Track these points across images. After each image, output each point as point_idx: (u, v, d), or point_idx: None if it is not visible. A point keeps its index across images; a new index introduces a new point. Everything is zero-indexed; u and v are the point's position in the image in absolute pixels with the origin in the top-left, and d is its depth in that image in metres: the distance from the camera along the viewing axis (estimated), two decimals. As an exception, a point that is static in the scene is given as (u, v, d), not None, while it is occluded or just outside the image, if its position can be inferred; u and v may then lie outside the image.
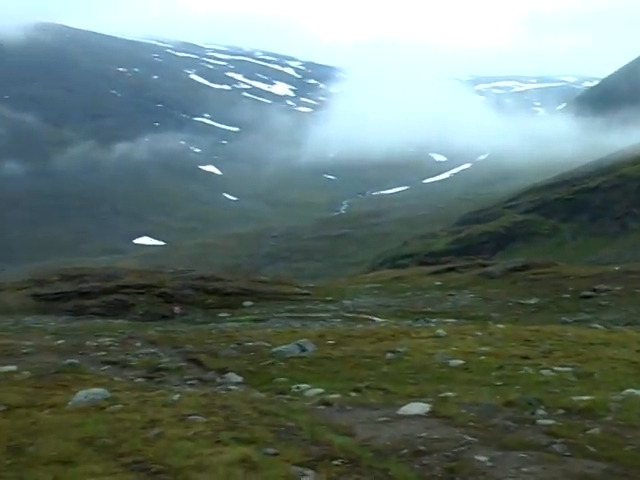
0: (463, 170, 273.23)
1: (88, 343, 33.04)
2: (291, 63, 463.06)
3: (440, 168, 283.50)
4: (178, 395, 14.03)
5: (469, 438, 10.46)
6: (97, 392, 13.56)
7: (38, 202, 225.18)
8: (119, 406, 12.71)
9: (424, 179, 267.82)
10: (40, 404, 13.31)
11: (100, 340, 35.20)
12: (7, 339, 37.44)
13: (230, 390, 16.74)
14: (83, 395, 13.31)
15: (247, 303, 64.62)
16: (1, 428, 11.43)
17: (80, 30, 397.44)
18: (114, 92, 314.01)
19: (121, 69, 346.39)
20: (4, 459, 9.85)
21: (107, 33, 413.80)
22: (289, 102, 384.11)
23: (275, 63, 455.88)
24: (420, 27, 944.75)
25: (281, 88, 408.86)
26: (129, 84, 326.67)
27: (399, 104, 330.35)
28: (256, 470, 9.16)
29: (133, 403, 13.03)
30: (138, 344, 32.39)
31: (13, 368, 19.47)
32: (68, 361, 22.57)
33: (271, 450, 9.93)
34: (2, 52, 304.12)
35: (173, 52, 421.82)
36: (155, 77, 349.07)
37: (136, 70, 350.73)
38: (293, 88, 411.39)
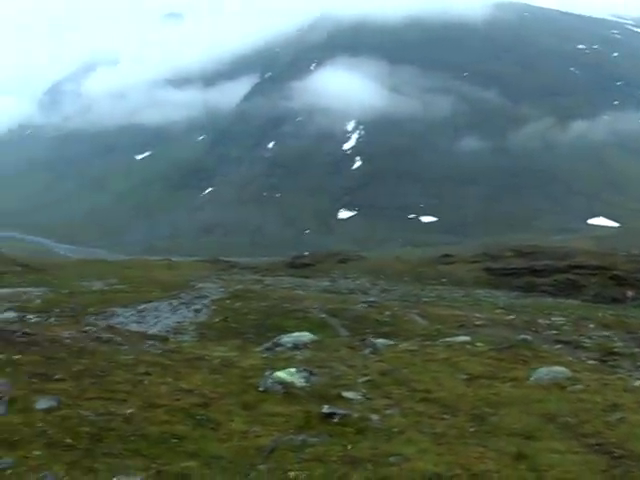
0: None
1: (540, 321, 33.22)
2: None
3: None
4: (639, 381, 13.64)
5: None
6: (558, 370, 13.56)
7: (495, 178, 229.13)
8: (580, 386, 12.64)
9: None
10: (502, 376, 13.61)
11: (552, 319, 35.22)
12: (459, 310, 38.89)
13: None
14: (544, 372, 13.38)
15: None
16: (465, 396, 11.88)
17: (541, 8, 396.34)
18: (572, 70, 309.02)
19: (580, 46, 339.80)
20: (468, 426, 10.21)
21: (567, 10, 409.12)
22: None
23: None
24: None
25: None
26: (588, 62, 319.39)
27: None
28: None
29: (593, 385, 12.90)
30: (591, 326, 32.00)
31: (467, 339, 20.06)
32: (521, 336, 22.86)
33: None
34: (465, 31, 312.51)
35: (633, 28, 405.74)
36: (614, 54, 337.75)
37: (595, 47, 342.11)
38: None
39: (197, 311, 34.41)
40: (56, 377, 11.17)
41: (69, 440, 8.46)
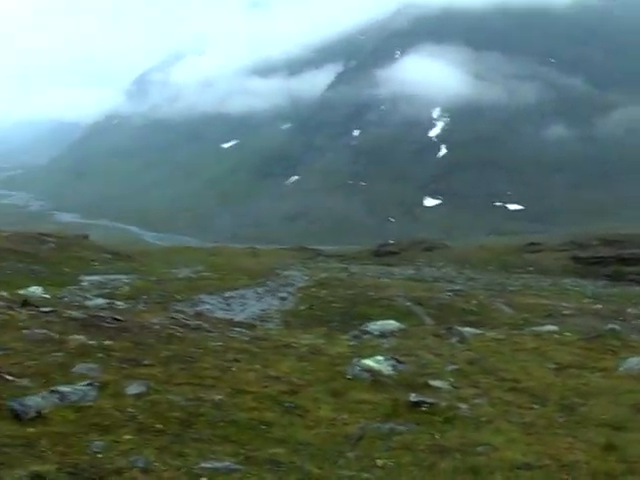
0: None
1: (628, 310, 32.68)
2: None
3: None
4: None
5: None
6: (647, 361, 13.33)
7: (582, 167, 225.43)
8: (669, 378, 12.39)
9: None
10: (591, 366, 13.44)
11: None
12: (546, 300, 38.41)
13: None
14: (635, 362, 13.14)
15: None
16: (554, 386, 11.75)
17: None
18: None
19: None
20: (557, 416, 10.10)
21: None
22: None
23: None
24: None
25: None
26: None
27: None
28: None
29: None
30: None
31: (554, 328, 19.86)
32: (609, 326, 22.47)
33: None
34: (551, 16, 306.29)
35: None
36: None
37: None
38: None
39: (283, 299, 34.68)
40: (145, 363, 11.38)
41: (159, 425, 8.61)
